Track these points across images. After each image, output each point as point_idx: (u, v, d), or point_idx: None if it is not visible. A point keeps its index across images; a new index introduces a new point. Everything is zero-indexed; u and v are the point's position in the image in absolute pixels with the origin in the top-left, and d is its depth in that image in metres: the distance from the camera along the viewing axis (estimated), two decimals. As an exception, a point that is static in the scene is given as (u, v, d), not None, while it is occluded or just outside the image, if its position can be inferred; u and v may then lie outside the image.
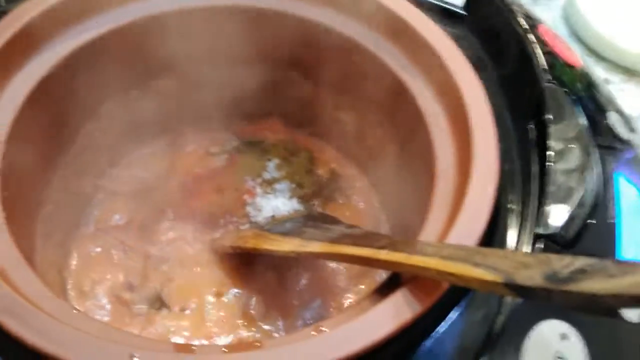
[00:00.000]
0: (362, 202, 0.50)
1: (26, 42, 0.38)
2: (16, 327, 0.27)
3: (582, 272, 0.21)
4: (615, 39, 0.72)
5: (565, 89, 0.35)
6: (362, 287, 0.45)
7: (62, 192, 0.43)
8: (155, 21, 0.43)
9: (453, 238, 0.31)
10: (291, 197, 0.49)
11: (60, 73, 0.39)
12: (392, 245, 0.30)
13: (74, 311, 0.30)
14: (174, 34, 0.44)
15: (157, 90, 0.47)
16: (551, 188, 0.30)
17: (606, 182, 0.33)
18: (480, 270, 0.24)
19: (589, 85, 0.40)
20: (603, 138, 0.35)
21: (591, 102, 0.37)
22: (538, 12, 0.82)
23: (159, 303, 0.43)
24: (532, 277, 0.22)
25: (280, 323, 0.43)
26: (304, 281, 0.45)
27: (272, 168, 0.51)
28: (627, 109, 0.46)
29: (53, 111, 0.40)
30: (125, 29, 0.42)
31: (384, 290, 0.30)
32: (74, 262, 0.45)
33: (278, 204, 0.48)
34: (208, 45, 0.46)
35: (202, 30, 0.45)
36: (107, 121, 0.46)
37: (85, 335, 0.27)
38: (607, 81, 0.73)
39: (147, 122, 0.49)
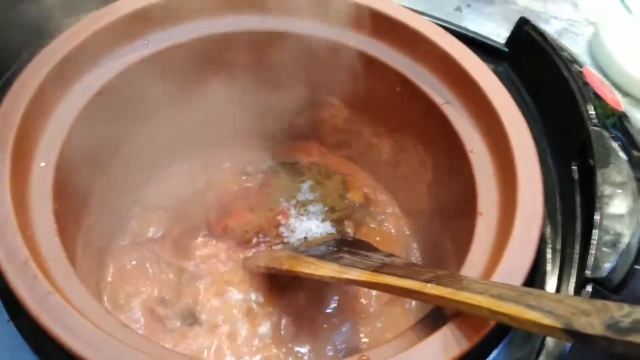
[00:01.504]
0: (393, 228, 0.51)
1: (82, 58, 0.39)
2: (67, 339, 0.27)
3: (643, 323, 0.21)
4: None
5: (610, 133, 0.36)
6: (393, 313, 0.45)
7: (103, 205, 0.44)
8: (198, 44, 0.44)
9: (498, 275, 0.31)
10: (324, 220, 0.49)
11: (111, 90, 0.40)
12: (438, 279, 0.30)
13: (122, 326, 0.30)
14: (220, 55, 0.45)
15: (199, 108, 0.48)
16: (600, 232, 0.31)
17: (650, 227, 0.33)
18: (537, 314, 0.25)
19: (629, 128, 0.40)
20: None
21: (633, 146, 0.38)
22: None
23: (191, 319, 0.44)
24: (592, 324, 0.23)
25: (309, 345, 0.43)
26: (333, 304, 0.45)
27: (305, 190, 0.51)
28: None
29: (102, 127, 0.41)
30: (174, 50, 0.43)
31: (428, 322, 0.31)
32: (110, 274, 0.45)
33: (311, 225, 0.49)
34: (251, 68, 0.47)
35: (246, 52, 0.46)
36: (150, 137, 0.46)
37: (130, 349, 0.28)
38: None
39: (187, 139, 0.50)
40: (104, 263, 0.46)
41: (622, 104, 0.41)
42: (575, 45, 0.84)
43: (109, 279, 0.45)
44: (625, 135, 0.38)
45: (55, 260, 0.32)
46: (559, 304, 0.25)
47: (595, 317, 0.23)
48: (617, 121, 0.38)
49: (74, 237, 0.40)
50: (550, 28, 0.86)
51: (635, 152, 0.36)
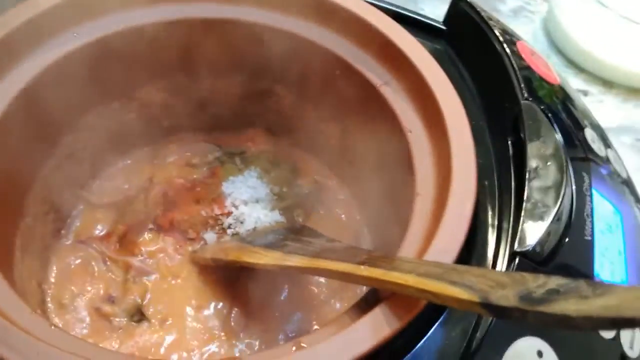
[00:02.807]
0: (344, 214, 0.51)
1: (7, 53, 0.38)
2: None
3: (556, 293, 0.21)
4: (594, 51, 0.74)
5: (542, 106, 0.36)
6: (344, 299, 0.45)
7: (42, 204, 0.43)
8: (136, 32, 0.43)
9: (431, 254, 0.31)
10: (273, 209, 0.49)
11: (41, 84, 0.39)
12: (371, 261, 0.30)
13: (52, 327, 0.30)
14: (156, 45, 0.44)
15: (139, 101, 0.47)
16: (527, 205, 0.31)
17: (582, 198, 0.34)
18: (457, 289, 0.24)
19: (566, 101, 0.40)
20: (579, 154, 0.36)
21: (568, 118, 0.38)
22: (519, 24, 0.84)
23: (138, 316, 0.43)
24: (507, 296, 0.22)
25: (261, 336, 0.43)
26: (285, 294, 0.45)
27: (253, 178, 0.51)
28: (605, 121, 0.46)
29: (33, 122, 0.40)
30: (107, 40, 0.42)
31: (363, 305, 0.31)
32: (53, 274, 0.44)
33: (260, 215, 0.48)
34: (190, 57, 0.47)
35: (184, 42, 0.45)
36: (89, 132, 0.45)
37: (61, 352, 0.27)
38: (586, 93, 0.74)
39: (129, 134, 0.49)
40: (48, 264, 0.44)
41: (559, 79, 0.41)
42: (530, 24, 0.84)
43: (53, 280, 0.44)
44: (561, 109, 0.38)
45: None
46: (480, 279, 0.25)
47: (510, 289, 0.23)
48: (553, 95, 0.38)
49: (10, 239, 0.39)
50: (505, 7, 0.87)
51: (569, 126, 0.36)
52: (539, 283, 0.22)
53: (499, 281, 0.24)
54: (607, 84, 0.75)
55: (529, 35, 0.82)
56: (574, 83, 0.75)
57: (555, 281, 0.22)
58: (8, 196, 0.39)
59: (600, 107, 0.73)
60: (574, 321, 0.20)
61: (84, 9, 0.41)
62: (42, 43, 0.40)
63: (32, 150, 0.41)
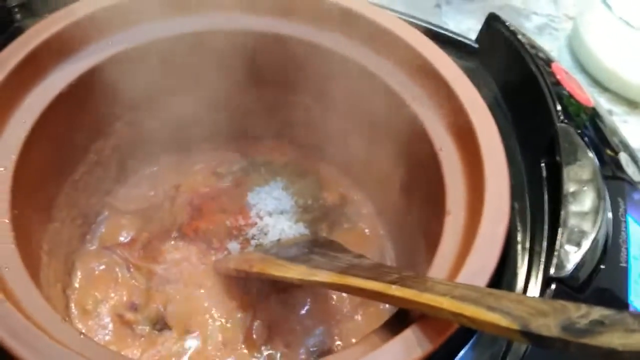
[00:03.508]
0: (368, 228, 0.50)
1: (41, 61, 0.38)
2: (22, 352, 0.27)
3: (600, 324, 0.21)
4: (619, 70, 0.73)
5: (578, 130, 0.35)
6: (366, 314, 0.45)
7: (69, 209, 0.43)
8: (167, 43, 0.43)
9: (463, 276, 0.31)
10: (297, 221, 0.49)
11: (72, 92, 0.40)
12: (402, 281, 0.30)
13: (80, 336, 0.30)
14: (186, 55, 0.45)
15: (167, 110, 0.47)
16: (564, 230, 0.30)
17: (617, 224, 0.33)
18: (495, 315, 0.24)
19: (599, 124, 0.40)
20: (614, 179, 0.36)
21: (602, 142, 0.37)
22: (544, 42, 0.83)
23: (161, 324, 0.43)
24: (548, 326, 0.22)
25: (282, 349, 0.43)
26: (307, 307, 0.45)
27: (279, 190, 0.51)
28: (630, 141, 0.46)
29: (64, 130, 0.40)
30: (138, 50, 0.42)
31: (392, 325, 0.30)
32: (77, 280, 0.44)
33: (284, 227, 0.48)
34: (219, 67, 0.47)
35: (214, 52, 0.45)
36: (116, 140, 0.46)
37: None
38: (610, 112, 0.74)
39: (155, 141, 0.49)
40: (72, 269, 0.45)
41: (593, 100, 0.40)
42: (555, 41, 0.84)
43: (77, 285, 0.44)
44: (594, 131, 0.38)
45: (11, 268, 0.31)
46: (518, 305, 0.24)
47: (552, 318, 0.22)
48: (586, 117, 0.38)
49: (37, 244, 0.39)
50: (530, 24, 0.86)
51: (603, 149, 0.36)
52: (581, 313, 0.22)
53: (538, 309, 0.24)
54: (632, 104, 0.74)
55: (553, 53, 0.82)
56: (599, 103, 0.74)
57: (598, 312, 0.22)
58: (39, 200, 0.39)
59: (624, 127, 0.73)
60: (621, 355, 0.20)
61: (121, 18, 0.41)
62: (76, 51, 0.40)
63: (63, 155, 0.41)
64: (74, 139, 0.42)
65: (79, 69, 0.40)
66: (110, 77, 0.41)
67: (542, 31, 0.86)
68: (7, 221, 0.33)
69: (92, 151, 0.44)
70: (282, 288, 0.45)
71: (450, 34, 0.45)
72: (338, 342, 0.44)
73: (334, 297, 0.46)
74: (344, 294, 0.46)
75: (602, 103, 0.75)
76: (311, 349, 0.43)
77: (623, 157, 0.37)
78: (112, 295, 0.44)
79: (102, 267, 0.45)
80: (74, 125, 0.41)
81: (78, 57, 0.40)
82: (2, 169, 0.35)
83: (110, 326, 0.43)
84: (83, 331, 0.41)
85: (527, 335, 0.23)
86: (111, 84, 0.42)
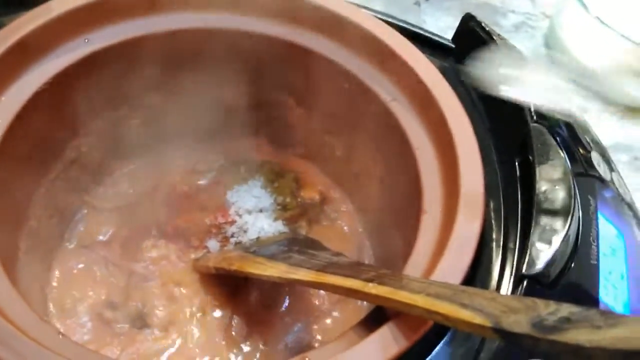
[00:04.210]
0: (347, 226, 0.51)
1: (18, 58, 0.38)
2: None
3: (567, 321, 0.22)
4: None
5: (550, 129, 0.36)
6: (345, 310, 0.45)
7: (47, 208, 0.43)
8: (144, 41, 0.43)
9: (438, 273, 0.31)
10: (276, 219, 0.49)
11: (50, 90, 0.39)
12: (379, 278, 0.30)
13: (59, 336, 0.30)
14: (164, 53, 0.44)
15: (145, 107, 0.47)
16: (536, 228, 0.31)
17: (588, 222, 0.34)
18: (468, 312, 0.25)
19: (572, 123, 0.41)
20: (585, 177, 0.36)
21: (574, 140, 0.38)
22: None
23: (140, 322, 0.43)
24: (519, 322, 0.23)
25: (261, 345, 0.43)
26: (286, 304, 0.45)
27: (258, 188, 0.51)
28: (603, 138, 0.47)
29: (41, 127, 0.40)
30: (116, 48, 0.42)
31: (369, 322, 0.31)
32: (55, 279, 0.44)
33: (263, 225, 0.48)
34: (197, 66, 0.47)
35: (191, 51, 0.45)
36: (95, 137, 0.45)
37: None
38: (585, 110, 0.75)
39: (135, 139, 0.49)
40: (50, 267, 0.44)
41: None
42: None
43: (55, 284, 0.44)
44: (567, 131, 0.39)
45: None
46: (491, 302, 0.25)
47: (523, 315, 0.23)
48: (559, 117, 0.39)
49: (13, 242, 0.39)
50: (507, 22, 0.87)
51: (575, 148, 0.37)
52: (550, 310, 0.23)
53: (510, 306, 0.24)
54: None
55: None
56: (575, 102, 0.75)
57: (567, 309, 0.22)
58: (14, 199, 0.39)
59: (598, 125, 0.74)
60: (587, 352, 0.20)
61: (98, 16, 0.41)
62: (53, 49, 0.40)
63: (39, 154, 0.41)
64: (51, 137, 0.42)
65: (55, 67, 0.39)
66: (87, 75, 0.41)
67: (518, 29, 0.87)
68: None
69: (69, 149, 0.44)
70: (261, 285, 0.45)
71: (427, 34, 0.45)
72: (318, 337, 0.44)
73: (313, 294, 0.46)
74: (322, 291, 0.46)
75: (578, 101, 0.76)
76: (290, 345, 0.43)
77: (594, 156, 0.38)
78: (91, 293, 0.44)
79: (81, 265, 0.45)
80: (50, 123, 0.41)
81: (55, 54, 0.40)
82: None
83: (89, 325, 0.42)
84: (61, 330, 0.41)
85: (499, 332, 0.23)
86: (88, 83, 0.42)
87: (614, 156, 0.55)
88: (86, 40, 0.41)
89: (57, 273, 0.44)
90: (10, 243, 0.39)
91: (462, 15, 0.47)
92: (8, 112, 0.37)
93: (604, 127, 0.74)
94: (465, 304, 0.25)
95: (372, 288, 0.29)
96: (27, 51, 0.38)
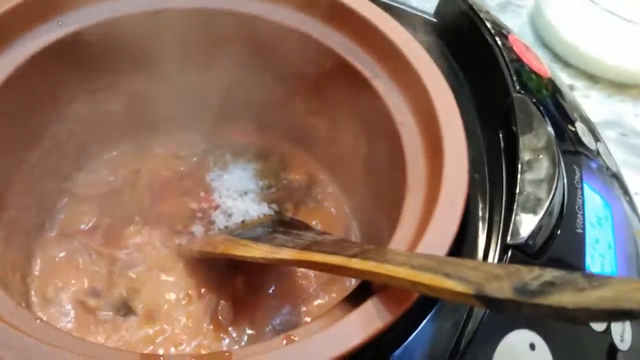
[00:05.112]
0: (334, 207, 0.50)
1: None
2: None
3: (551, 285, 0.21)
4: (579, 45, 0.74)
5: (534, 99, 0.36)
6: (333, 292, 0.45)
7: (26, 196, 0.42)
8: (123, 22, 0.42)
9: (423, 247, 0.31)
10: (261, 202, 0.49)
11: (24, 74, 0.38)
12: (363, 254, 0.30)
13: (37, 321, 0.29)
14: (143, 35, 0.43)
15: (125, 92, 0.46)
16: (520, 198, 0.31)
17: (573, 191, 0.34)
18: (451, 282, 0.24)
19: (557, 94, 0.40)
20: (570, 147, 0.36)
21: (558, 111, 0.38)
22: (506, 18, 0.83)
23: (125, 309, 0.42)
24: (502, 288, 0.22)
25: (249, 329, 0.43)
26: (273, 286, 0.45)
27: (242, 171, 0.50)
28: (591, 115, 0.47)
29: (16, 113, 0.39)
30: (93, 30, 0.41)
31: (354, 298, 0.30)
32: (37, 268, 0.43)
33: (248, 208, 0.48)
34: (177, 48, 0.46)
35: (171, 32, 0.44)
36: (73, 123, 0.45)
37: (47, 346, 0.26)
38: (572, 87, 0.75)
39: (114, 125, 0.48)
40: (32, 256, 0.44)
41: (550, 72, 0.41)
42: (517, 18, 0.85)
43: (37, 273, 0.43)
44: (553, 105, 0.38)
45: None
46: (474, 271, 0.25)
47: (506, 282, 0.23)
48: (545, 91, 0.38)
49: (-8, 232, 0.38)
50: (492, 1, 0.87)
51: (561, 121, 0.36)
52: (534, 275, 0.22)
53: (493, 273, 0.24)
54: (593, 78, 0.76)
55: (515, 30, 0.82)
56: (560, 79, 0.75)
57: (550, 273, 0.22)
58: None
59: (586, 102, 0.74)
60: (570, 313, 0.20)
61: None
62: (27, 31, 0.39)
63: (14, 141, 0.40)
64: (28, 122, 0.41)
65: (28, 51, 0.39)
66: (61, 59, 0.40)
67: (504, 8, 0.86)
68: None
69: (47, 137, 0.43)
70: (248, 269, 0.44)
71: (408, 9, 0.45)
72: (306, 319, 0.44)
73: (301, 276, 0.46)
74: (311, 273, 0.46)
75: (564, 78, 0.76)
76: (278, 328, 0.43)
77: (579, 127, 0.38)
78: (73, 282, 0.43)
79: (63, 254, 0.44)
80: (26, 110, 0.40)
81: (27, 38, 0.39)
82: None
83: (72, 313, 0.42)
84: (44, 319, 0.40)
85: (482, 298, 0.23)
86: (63, 67, 0.41)
87: (602, 133, 0.55)
88: (60, 23, 0.40)
89: (38, 262, 0.44)
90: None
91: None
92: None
93: (591, 104, 0.73)
94: (448, 273, 0.25)
95: (356, 263, 0.29)
96: (2, 31, 0.37)
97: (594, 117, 0.47)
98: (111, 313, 0.42)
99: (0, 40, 0.38)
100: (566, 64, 0.77)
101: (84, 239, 0.45)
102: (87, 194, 0.47)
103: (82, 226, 0.46)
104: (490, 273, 0.24)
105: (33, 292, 0.42)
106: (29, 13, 0.39)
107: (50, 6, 0.40)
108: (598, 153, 0.38)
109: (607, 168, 0.38)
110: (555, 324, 0.29)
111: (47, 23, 0.40)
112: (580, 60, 0.75)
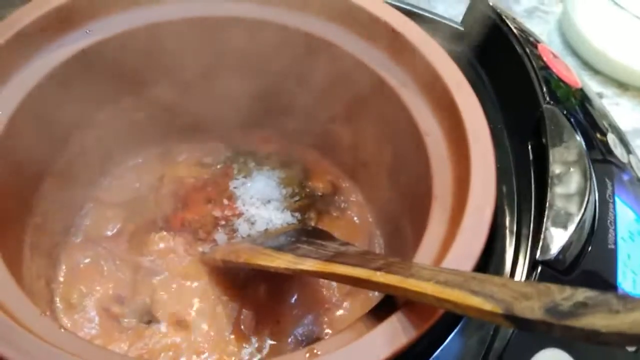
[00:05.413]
0: (357, 216, 0.50)
1: (19, 50, 0.37)
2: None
3: (584, 306, 0.21)
4: (609, 52, 0.72)
5: (564, 110, 0.35)
6: (355, 302, 0.44)
7: (52, 202, 0.43)
8: (150, 31, 0.43)
9: (450, 261, 0.30)
10: (284, 210, 0.48)
11: (52, 82, 0.39)
12: (387, 267, 0.29)
13: (61, 330, 0.29)
14: (170, 44, 0.44)
15: (151, 99, 0.47)
16: (550, 212, 0.30)
17: (605, 205, 0.33)
18: (479, 299, 0.24)
19: (586, 103, 0.39)
20: (601, 160, 0.35)
21: (589, 122, 0.37)
22: (533, 25, 0.82)
23: (148, 317, 0.42)
24: (532, 308, 0.22)
25: (270, 339, 0.42)
26: (295, 295, 0.44)
27: (265, 179, 0.50)
28: (620, 124, 0.46)
29: (44, 120, 0.39)
30: (120, 38, 0.42)
31: (378, 312, 0.30)
32: (62, 273, 0.44)
33: (271, 216, 0.47)
34: (203, 56, 0.46)
35: (198, 40, 0.45)
36: (99, 130, 0.45)
37: (70, 356, 0.26)
38: (601, 95, 0.73)
39: (140, 132, 0.48)
40: (57, 262, 0.44)
41: (580, 82, 0.40)
42: (544, 24, 0.83)
43: (61, 279, 0.44)
44: (583, 114, 0.37)
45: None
46: (502, 289, 0.24)
47: (535, 301, 0.22)
48: (575, 100, 0.37)
49: (18, 238, 0.39)
50: (519, 7, 0.85)
51: (591, 131, 0.35)
52: (565, 295, 0.22)
53: (522, 292, 0.23)
54: (623, 86, 0.74)
55: (543, 36, 0.81)
56: (590, 87, 0.74)
57: (582, 294, 0.21)
58: (18, 194, 0.39)
59: (615, 110, 0.72)
60: (604, 337, 0.19)
61: (97, 6, 0.40)
62: (54, 40, 0.39)
63: (42, 148, 0.41)
64: (56, 129, 0.41)
65: (56, 58, 0.39)
66: (88, 67, 0.40)
67: (531, 14, 0.85)
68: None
69: (73, 143, 0.44)
70: (270, 278, 0.44)
71: (435, 17, 0.44)
72: (327, 330, 0.43)
73: (323, 286, 0.45)
74: (333, 283, 0.45)
75: (593, 86, 0.74)
76: (300, 338, 0.42)
77: (611, 139, 0.37)
78: (98, 288, 0.43)
79: (87, 260, 0.45)
80: (53, 116, 0.40)
81: (55, 46, 0.39)
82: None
83: (97, 320, 0.42)
84: (68, 325, 0.41)
85: (511, 318, 0.22)
86: (90, 74, 0.41)
87: (632, 142, 0.54)
88: (87, 32, 0.41)
89: (63, 268, 0.44)
90: (15, 239, 0.39)
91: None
92: (9, 104, 0.36)
93: (621, 112, 0.72)
94: (475, 290, 0.24)
95: (381, 277, 0.28)
96: (25, 44, 0.38)
97: (623, 125, 0.46)
98: (135, 320, 0.42)
99: (30, 47, 0.38)
100: (595, 72, 0.75)
101: (108, 245, 0.45)
102: (112, 200, 0.48)
103: (107, 232, 0.46)
104: (518, 291, 0.23)
105: (58, 298, 0.43)
106: (58, 21, 0.39)
107: (78, 14, 0.40)
108: (630, 165, 0.37)
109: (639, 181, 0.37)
110: (588, 345, 0.28)
111: (75, 31, 0.40)
112: (609, 68, 0.74)
